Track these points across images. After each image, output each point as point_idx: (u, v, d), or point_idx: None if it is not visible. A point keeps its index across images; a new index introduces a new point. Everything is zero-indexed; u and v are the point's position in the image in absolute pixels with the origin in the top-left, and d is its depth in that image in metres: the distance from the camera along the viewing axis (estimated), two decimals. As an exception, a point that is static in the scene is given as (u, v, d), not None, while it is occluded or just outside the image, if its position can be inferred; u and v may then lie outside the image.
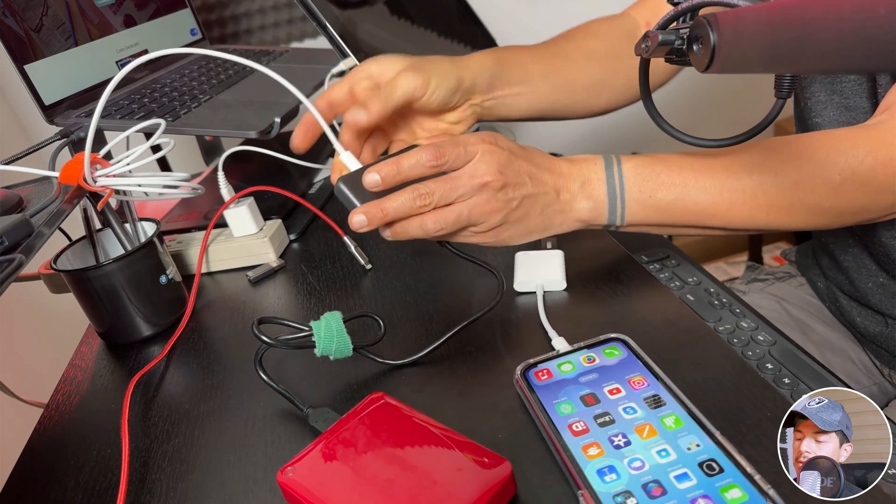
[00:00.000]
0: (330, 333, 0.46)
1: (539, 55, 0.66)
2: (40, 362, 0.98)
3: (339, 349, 0.47)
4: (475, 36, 0.97)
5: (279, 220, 0.72)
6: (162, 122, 0.63)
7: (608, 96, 0.71)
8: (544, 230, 0.52)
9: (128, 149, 0.65)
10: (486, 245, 0.51)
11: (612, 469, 0.35)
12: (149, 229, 0.65)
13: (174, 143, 0.62)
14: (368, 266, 0.65)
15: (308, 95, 0.81)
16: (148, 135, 0.70)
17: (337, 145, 0.52)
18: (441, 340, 0.49)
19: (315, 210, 0.71)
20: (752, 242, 1.40)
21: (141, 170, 0.58)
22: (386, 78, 0.55)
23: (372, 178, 0.47)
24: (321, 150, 0.93)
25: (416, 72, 0.54)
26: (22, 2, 0.73)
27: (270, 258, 0.69)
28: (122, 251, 0.62)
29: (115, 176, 0.57)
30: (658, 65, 0.53)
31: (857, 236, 0.69)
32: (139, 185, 0.58)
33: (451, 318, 0.49)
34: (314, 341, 0.46)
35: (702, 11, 0.38)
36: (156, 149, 0.60)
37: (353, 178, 0.49)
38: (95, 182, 0.57)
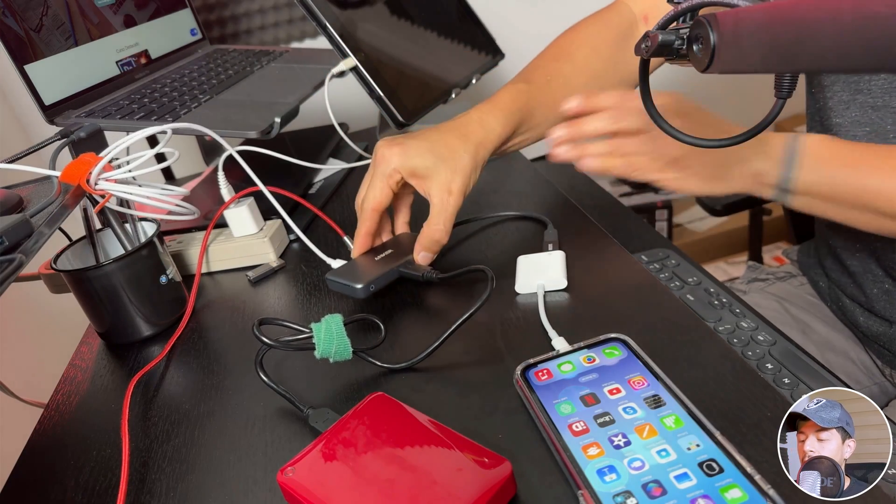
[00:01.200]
0: (330, 336, 0.46)
1: (540, 92, 0.66)
2: (40, 362, 0.97)
3: (339, 352, 0.47)
4: (475, 36, 0.97)
5: (279, 220, 0.72)
6: (168, 129, 0.63)
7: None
8: (721, 178, 0.56)
9: (128, 152, 0.65)
10: (667, 187, 0.57)
11: (612, 469, 0.35)
12: (149, 229, 0.65)
13: (178, 154, 0.63)
14: None
15: (308, 95, 0.81)
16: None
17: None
18: (436, 343, 0.48)
19: (315, 210, 0.71)
20: (753, 242, 1.39)
21: (143, 178, 0.58)
22: (420, 178, 0.59)
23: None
24: (321, 150, 0.93)
25: (459, 180, 0.58)
26: (22, 2, 0.73)
27: (270, 258, 0.70)
28: (122, 251, 0.62)
29: (116, 181, 0.57)
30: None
31: (864, 241, 0.69)
32: (141, 197, 0.59)
33: (451, 319, 0.49)
34: (314, 343, 0.46)
35: (702, 11, 0.38)
36: (159, 155, 0.60)
37: (340, 270, 0.58)
38: (97, 185, 0.57)
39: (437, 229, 0.58)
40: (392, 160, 0.59)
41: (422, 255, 0.59)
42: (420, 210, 0.65)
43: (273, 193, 0.69)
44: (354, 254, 0.61)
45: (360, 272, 0.58)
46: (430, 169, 0.58)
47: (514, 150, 0.67)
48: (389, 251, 0.61)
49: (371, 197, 0.60)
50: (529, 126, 0.65)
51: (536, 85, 0.67)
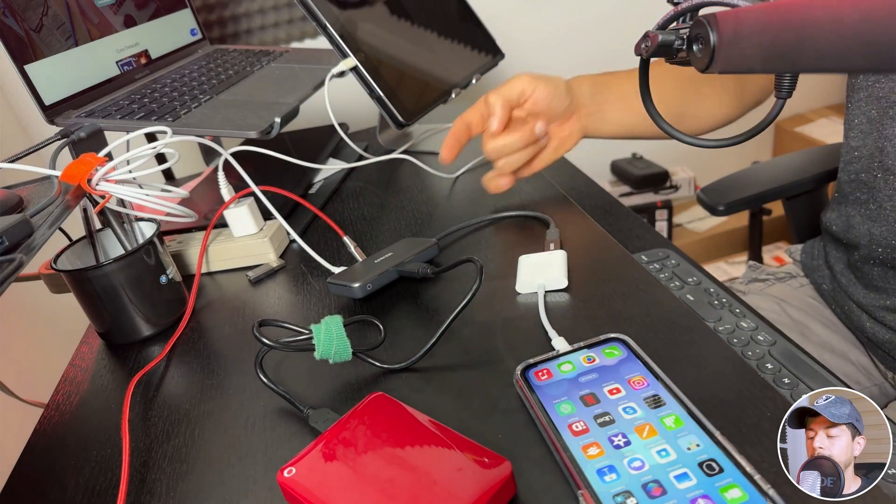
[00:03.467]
0: (330, 337, 0.46)
1: (611, 78, 0.73)
2: (40, 362, 0.98)
3: (339, 353, 0.47)
4: (475, 36, 0.97)
5: (279, 220, 0.72)
6: (168, 130, 0.63)
7: (689, 123, 0.77)
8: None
9: (128, 150, 0.65)
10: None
11: (611, 469, 0.35)
12: (149, 229, 0.65)
13: (178, 155, 0.63)
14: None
15: (308, 95, 0.82)
16: (150, 137, 0.70)
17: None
18: (433, 341, 0.49)
19: (315, 210, 0.71)
20: (753, 242, 1.39)
21: (144, 179, 0.58)
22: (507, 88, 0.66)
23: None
24: (321, 150, 0.93)
25: (528, 76, 0.66)
26: (22, 2, 0.73)
27: (270, 258, 0.70)
28: (122, 251, 0.62)
29: (116, 182, 0.57)
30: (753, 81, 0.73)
31: (882, 254, 0.68)
32: (140, 198, 0.59)
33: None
34: (314, 344, 0.46)
35: (702, 11, 0.38)
36: (160, 156, 0.61)
37: (340, 274, 0.61)
38: (97, 186, 0.57)
39: (493, 94, 0.65)
40: (491, 92, 0.66)
41: (491, 121, 0.65)
42: (421, 211, 0.65)
43: (273, 194, 0.69)
44: (441, 156, 0.66)
45: (358, 274, 0.59)
46: (517, 76, 0.66)
47: (608, 122, 0.72)
48: (389, 254, 0.61)
49: (465, 114, 0.67)
50: (620, 95, 0.71)
51: (609, 73, 0.74)
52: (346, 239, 0.67)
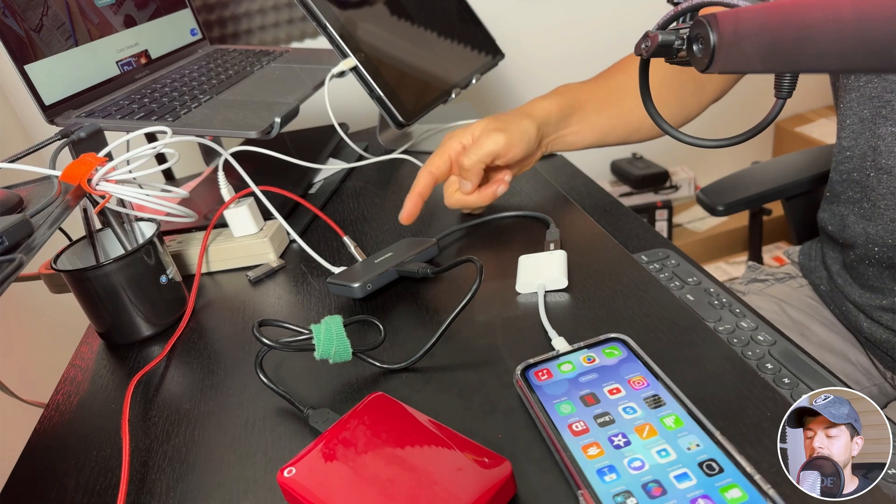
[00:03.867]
0: (329, 337, 0.46)
1: (596, 91, 0.72)
2: (40, 362, 0.98)
3: (339, 353, 0.47)
4: (475, 36, 0.97)
5: (279, 220, 0.72)
6: (168, 130, 0.63)
7: (654, 127, 0.76)
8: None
9: (128, 150, 0.65)
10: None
11: (611, 469, 0.35)
12: (148, 229, 0.65)
13: (178, 155, 0.63)
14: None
15: (308, 95, 0.82)
16: (150, 136, 0.70)
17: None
18: (433, 341, 0.49)
19: (315, 210, 0.71)
20: (752, 242, 1.39)
21: (144, 179, 0.58)
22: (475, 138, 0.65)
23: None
24: (321, 150, 0.93)
25: (501, 132, 0.63)
26: (22, 2, 0.73)
27: (270, 258, 0.70)
28: (122, 251, 0.62)
29: (116, 182, 0.57)
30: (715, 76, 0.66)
31: (878, 254, 0.68)
32: (140, 198, 0.59)
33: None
34: (314, 344, 0.46)
35: (702, 11, 0.38)
36: (160, 156, 0.61)
37: (340, 274, 0.61)
38: (97, 185, 0.57)
39: (466, 158, 0.63)
40: (456, 134, 0.66)
41: (462, 184, 0.65)
42: (421, 211, 0.65)
43: (273, 193, 0.69)
44: (402, 215, 0.65)
45: (358, 274, 0.59)
46: (487, 130, 0.64)
47: (569, 144, 0.72)
48: (389, 255, 0.61)
49: (430, 162, 0.65)
50: (581, 117, 0.71)
51: (589, 85, 0.73)
52: (346, 239, 0.67)
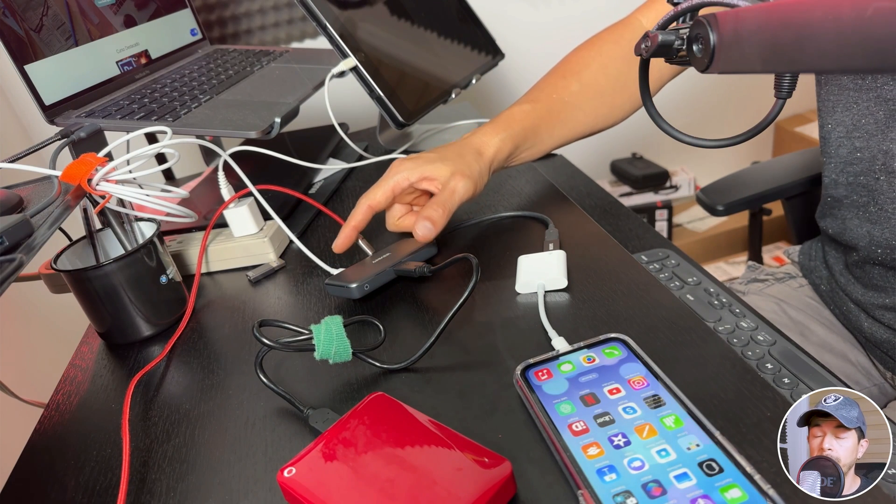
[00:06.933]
0: (329, 338, 0.46)
1: (548, 110, 0.70)
2: (40, 362, 0.98)
3: (339, 353, 0.47)
4: (475, 36, 0.97)
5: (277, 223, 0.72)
6: (168, 130, 0.63)
7: (614, 121, 0.76)
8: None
9: (128, 150, 0.65)
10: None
11: (611, 469, 0.35)
12: (148, 230, 0.65)
13: (178, 155, 0.63)
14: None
15: (308, 95, 0.82)
16: (150, 137, 0.70)
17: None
18: (431, 340, 0.49)
19: (318, 205, 0.71)
20: (752, 242, 1.39)
21: (144, 179, 0.58)
22: (430, 179, 0.62)
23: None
24: (321, 150, 0.93)
25: (468, 178, 0.62)
26: (22, 2, 0.73)
27: (270, 258, 0.70)
28: (122, 251, 0.62)
29: (116, 182, 0.57)
30: (657, 64, 0.59)
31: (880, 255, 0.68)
32: (140, 198, 0.59)
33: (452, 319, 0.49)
34: (314, 345, 0.46)
35: (702, 11, 0.38)
36: (160, 156, 0.61)
37: (338, 275, 0.60)
38: (97, 186, 0.57)
39: (433, 210, 0.60)
40: (403, 166, 0.63)
41: (419, 226, 0.59)
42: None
43: (273, 194, 0.69)
44: (336, 245, 0.63)
45: (356, 274, 0.59)
46: (439, 170, 0.62)
47: (519, 163, 0.71)
48: (387, 255, 0.61)
49: (370, 195, 0.63)
50: (533, 143, 0.70)
51: (542, 104, 0.71)
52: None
